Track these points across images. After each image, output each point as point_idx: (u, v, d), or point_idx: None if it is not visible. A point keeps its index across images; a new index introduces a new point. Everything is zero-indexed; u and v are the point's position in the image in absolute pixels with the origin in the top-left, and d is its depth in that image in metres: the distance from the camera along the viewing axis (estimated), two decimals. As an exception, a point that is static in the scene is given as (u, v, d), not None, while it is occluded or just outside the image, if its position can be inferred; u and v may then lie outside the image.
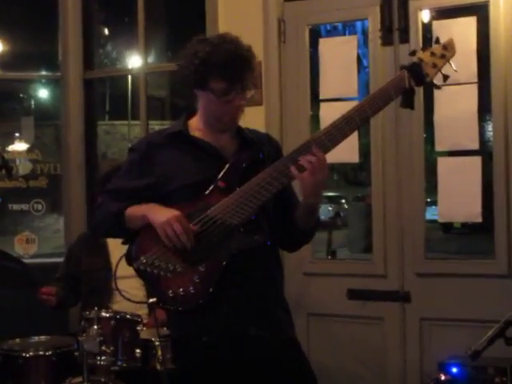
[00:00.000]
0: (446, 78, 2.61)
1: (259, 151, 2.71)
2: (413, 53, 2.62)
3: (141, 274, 2.68)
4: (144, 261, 2.64)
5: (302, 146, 2.59)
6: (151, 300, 2.70)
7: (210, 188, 2.63)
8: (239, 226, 2.60)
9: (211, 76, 2.61)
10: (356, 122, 2.58)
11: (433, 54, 2.58)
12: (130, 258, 2.71)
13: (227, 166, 2.65)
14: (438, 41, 2.62)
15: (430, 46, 2.62)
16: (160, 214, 2.60)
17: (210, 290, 2.59)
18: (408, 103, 2.62)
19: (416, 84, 2.58)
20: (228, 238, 2.60)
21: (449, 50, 2.60)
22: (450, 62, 2.61)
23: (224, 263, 2.59)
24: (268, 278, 2.72)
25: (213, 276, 2.59)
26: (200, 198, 2.63)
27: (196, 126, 2.77)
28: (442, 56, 2.59)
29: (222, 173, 2.64)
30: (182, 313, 2.65)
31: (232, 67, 2.59)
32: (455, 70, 2.61)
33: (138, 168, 2.74)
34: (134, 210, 2.68)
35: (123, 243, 2.78)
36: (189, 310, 2.63)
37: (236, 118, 2.71)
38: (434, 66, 2.58)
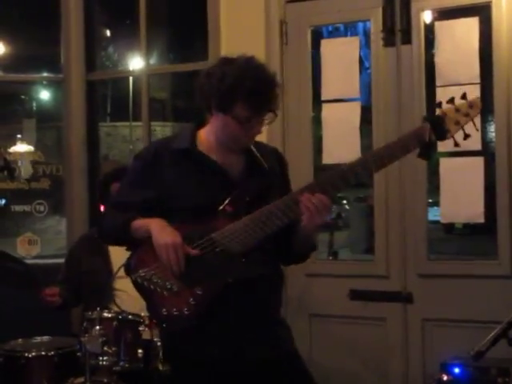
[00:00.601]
0: (466, 136, 2.57)
1: (268, 177, 2.68)
2: (439, 104, 2.56)
3: (137, 286, 2.66)
4: (142, 274, 2.62)
5: (314, 184, 2.58)
6: (143, 314, 2.69)
7: (217, 210, 2.60)
8: (241, 255, 2.57)
9: (238, 103, 2.54)
10: (370, 169, 2.55)
11: (457, 110, 2.53)
12: (128, 269, 2.69)
13: (236, 191, 2.61)
14: (464, 96, 2.55)
15: (453, 101, 2.56)
16: (162, 235, 2.58)
17: (202, 313, 2.56)
18: (425, 155, 2.58)
19: (436, 139, 2.54)
20: (228, 264, 2.57)
21: (474, 108, 2.55)
22: (474, 121, 2.56)
23: (221, 289, 2.57)
24: (266, 306, 2.70)
25: (208, 300, 2.56)
26: (206, 221, 2.60)
27: (205, 139, 2.70)
28: (466, 115, 2.54)
29: (230, 197, 2.60)
30: (176, 333, 2.65)
31: (260, 96, 2.53)
32: (477, 130, 2.59)
33: (141, 178, 2.71)
34: (140, 223, 2.65)
35: (127, 250, 2.77)
36: (179, 331, 2.62)
37: (252, 141, 2.68)
38: (457, 123, 2.53)
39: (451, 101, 2.55)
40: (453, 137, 2.56)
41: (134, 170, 2.78)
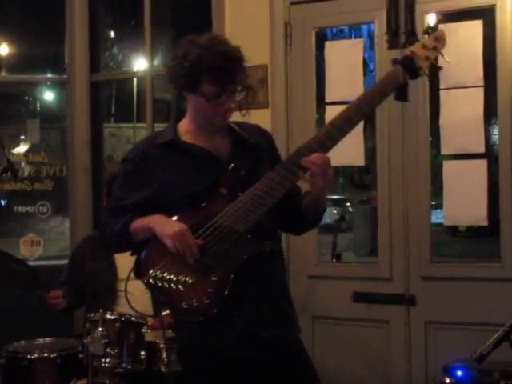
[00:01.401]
0: (438, 68, 2.63)
1: (257, 151, 2.69)
2: (404, 45, 2.60)
3: (151, 288, 2.66)
4: (153, 274, 2.61)
5: (303, 147, 2.56)
6: (164, 313, 2.69)
7: (213, 195, 2.61)
8: (246, 233, 2.57)
9: (202, 79, 2.55)
10: (353, 120, 2.55)
11: (424, 46, 2.57)
12: (138, 272, 2.67)
13: (228, 171, 2.62)
14: (427, 32, 2.61)
15: (423, 35, 2.62)
16: (166, 227, 2.58)
17: (223, 298, 2.57)
18: (402, 96, 2.63)
19: (410, 77, 2.57)
20: (236, 245, 2.57)
21: (440, 41, 2.58)
22: (442, 53, 2.60)
23: (234, 271, 2.57)
24: (277, 279, 2.72)
25: (225, 285, 2.57)
26: (204, 207, 2.61)
27: (186, 128, 2.72)
28: (434, 48, 2.57)
29: (222, 179, 2.61)
30: (195, 322, 2.63)
31: (223, 70, 2.54)
32: (447, 61, 2.60)
33: (133, 180, 2.71)
34: (140, 223, 2.64)
35: (132, 255, 2.75)
36: (204, 320, 2.61)
37: (226, 119, 2.67)
38: (427, 58, 2.57)
39: (416, 40, 2.61)
40: (426, 73, 2.60)
41: (124, 172, 2.77)
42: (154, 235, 2.61)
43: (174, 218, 2.62)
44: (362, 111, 2.56)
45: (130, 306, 2.80)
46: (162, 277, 2.61)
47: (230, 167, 2.63)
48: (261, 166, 2.64)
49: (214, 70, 2.53)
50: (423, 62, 2.56)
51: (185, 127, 2.73)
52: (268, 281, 2.66)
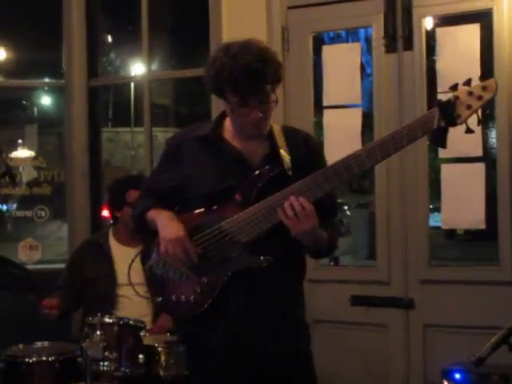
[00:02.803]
0: (479, 122, 2.44)
1: (285, 165, 2.60)
2: (454, 87, 2.42)
3: (151, 274, 2.72)
4: (156, 261, 2.69)
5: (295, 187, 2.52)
6: (158, 299, 2.72)
7: (227, 199, 2.60)
8: (247, 244, 2.57)
9: (225, 89, 2.54)
10: (377, 157, 2.47)
11: (470, 93, 2.40)
12: (146, 257, 2.75)
13: (249, 178, 2.60)
14: (482, 77, 2.43)
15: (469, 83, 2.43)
16: (165, 230, 2.63)
17: (208, 302, 2.60)
18: (438, 141, 2.44)
19: (446, 125, 2.40)
20: (234, 254, 2.58)
21: (488, 91, 2.40)
22: (485, 104, 2.42)
23: (225, 279, 2.59)
24: (273, 295, 2.66)
25: (212, 290, 2.60)
26: (215, 209, 2.62)
27: (228, 126, 2.70)
28: (479, 98, 2.39)
29: (241, 185, 2.60)
30: (184, 321, 2.70)
31: (242, 83, 2.49)
32: (486, 113, 2.46)
33: (164, 166, 2.78)
34: (152, 215, 2.71)
35: (143, 241, 2.85)
36: (185, 319, 2.67)
37: (258, 127, 2.61)
38: (469, 107, 2.39)
39: (468, 82, 2.42)
40: (465, 122, 2.43)
41: (161, 157, 2.84)
42: None
43: (187, 214, 2.66)
44: (387, 150, 2.46)
45: (135, 290, 2.83)
46: (164, 265, 2.67)
47: (252, 175, 2.61)
48: (285, 181, 2.57)
49: (234, 82, 2.50)
50: (464, 110, 2.40)
51: (228, 124, 2.72)
52: (261, 295, 2.63)
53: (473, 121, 2.46)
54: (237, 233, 2.56)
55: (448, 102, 2.40)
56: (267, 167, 2.60)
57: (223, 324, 2.62)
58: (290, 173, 2.58)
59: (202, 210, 2.64)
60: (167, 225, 2.64)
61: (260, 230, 2.55)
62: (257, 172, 2.60)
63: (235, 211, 2.57)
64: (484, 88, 2.40)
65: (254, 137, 2.65)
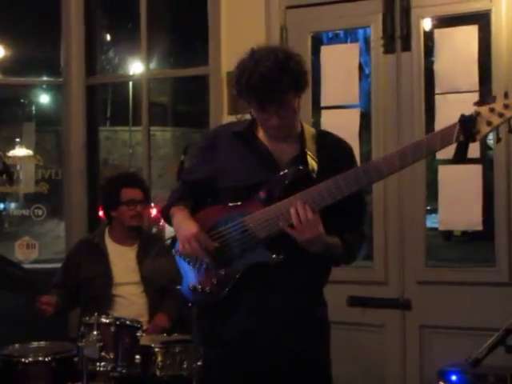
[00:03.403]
0: (498, 140, 2.47)
1: (310, 167, 2.62)
2: (479, 103, 2.42)
3: (175, 257, 2.79)
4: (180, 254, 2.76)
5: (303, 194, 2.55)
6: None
7: (252, 196, 2.64)
8: (264, 241, 2.60)
9: (245, 93, 2.59)
10: (395, 165, 2.50)
11: (492, 110, 2.39)
12: (173, 241, 2.80)
13: (275, 177, 2.62)
14: (506, 96, 2.42)
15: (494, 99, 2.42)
16: (180, 230, 2.70)
17: (223, 293, 2.65)
18: (457, 154, 2.43)
19: (465, 139, 2.40)
20: (251, 249, 2.63)
21: (510, 109, 2.39)
22: (511, 122, 2.40)
23: (239, 273, 2.64)
24: (288, 291, 2.66)
25: (227, 282, 2.65)
26: (243, 203, 2.65)
27: None
28: (500, 115, 2.39)
29: (267, 183, 2.63)
30: (199, 315, 2.76)
31: (259, 90, 2.52)
32: (509, 131, 2.42)
33: (200, 158, 2.82)
34: (174, 211, 2.78)
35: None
36: (201, 305, 2.73)
37: (280, 132, 2.65)
38: (489, 124, 2.39)
39: (493, 99, 2.42)
40: (484, 137, 2.43)
41: (198, 149, 2.87)
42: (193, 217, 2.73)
43: (211, 208, 2.73)
44: (405, 161, 2.49)
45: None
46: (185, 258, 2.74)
47: (278, 174, 2.64)
48: (308, 182, 2.58)
49: (251, 89, 2.54)
50: (484, 126, 2.39)
51: None
52: (273, 292, 2.64)
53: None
54: (256, 228, 2.60)
55: (470, 117, 2.41)
56: (293, 168, 2.63)
57: (236, 319, 2.65)
58: (314, 175, 2.61)
59: (228, 204, 2.68)
60: (182, 223, 2.71)
61: (278, 228, 2.58)
62: (282, 172, 2.63)
63: (258, 208, 2.62)
64: (506, 106, 2.40)
65: (278, 139, 2.69)
